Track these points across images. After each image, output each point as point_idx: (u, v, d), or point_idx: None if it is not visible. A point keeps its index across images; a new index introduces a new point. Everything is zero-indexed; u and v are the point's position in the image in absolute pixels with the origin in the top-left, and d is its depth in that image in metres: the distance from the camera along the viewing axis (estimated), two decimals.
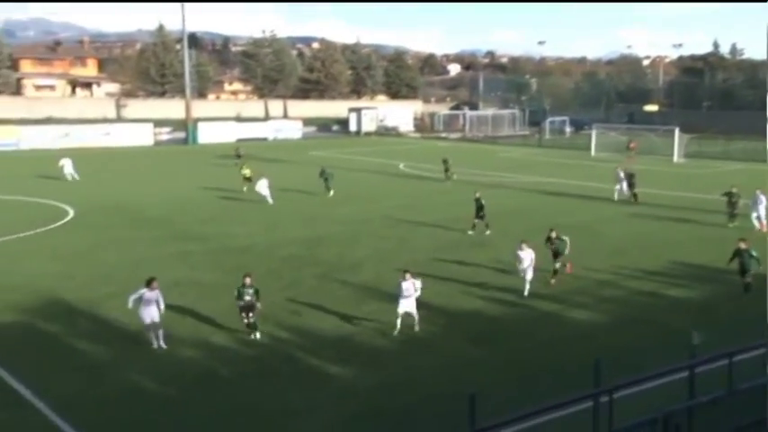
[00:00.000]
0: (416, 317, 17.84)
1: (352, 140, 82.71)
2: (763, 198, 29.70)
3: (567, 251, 22.11)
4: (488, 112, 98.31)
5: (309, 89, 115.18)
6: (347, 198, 38.62)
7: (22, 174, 48.12)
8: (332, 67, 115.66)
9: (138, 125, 76.95)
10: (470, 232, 28.96)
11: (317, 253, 26.09)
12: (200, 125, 77.94)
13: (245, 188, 39.75)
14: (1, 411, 13.48)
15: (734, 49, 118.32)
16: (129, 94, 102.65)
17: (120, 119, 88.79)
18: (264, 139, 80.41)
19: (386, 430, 12.95)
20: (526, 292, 20.83)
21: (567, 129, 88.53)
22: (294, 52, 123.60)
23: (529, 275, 20.86)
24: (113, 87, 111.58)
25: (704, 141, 65.08)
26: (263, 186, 36.33)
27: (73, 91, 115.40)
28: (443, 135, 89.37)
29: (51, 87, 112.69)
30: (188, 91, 78.71)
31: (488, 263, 24.69)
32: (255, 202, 36.68)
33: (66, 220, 31.98)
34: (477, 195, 29.60)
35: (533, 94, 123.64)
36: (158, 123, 78.58)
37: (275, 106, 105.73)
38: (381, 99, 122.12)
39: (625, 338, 17.55)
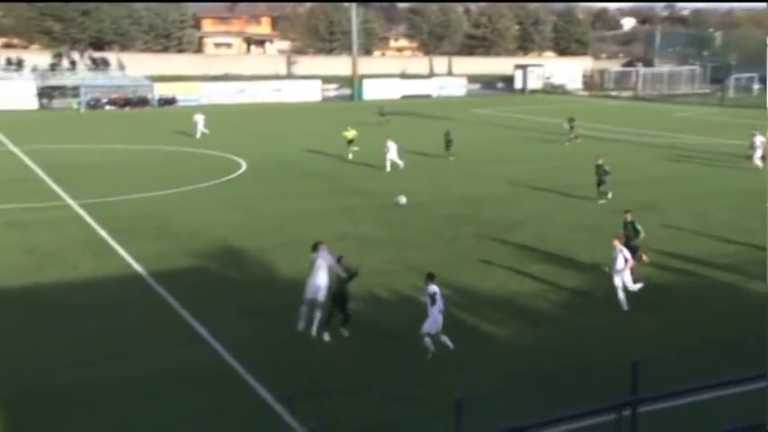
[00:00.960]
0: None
1: (517, 98, 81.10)
2: None
3: (641, 237, 18.75)
4: (664, 68, 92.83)
5: (475, 45, 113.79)
6: (508, 158, 38.05)
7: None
8: (498, 22, 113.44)
9: (307, 82, 79.48)
10: (601, 201, 27.12)
11: (479, 212, 25.96)
12: (366, 82, 79.26)
13: (350, 154, 37.12)
14: (183, 348, 14.57)
15: None
16: (299, 51, 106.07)
17: (290, 75, 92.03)
18: (428, 96, 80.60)
19: (541, 392, 12.76)
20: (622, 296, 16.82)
21: (755, 86, 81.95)
22: (460, 8, 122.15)
23: (619, 282, 16.72)
24: (285, 45, 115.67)
25: None
26: (392, 151, 33.83)
27: (248, 49, 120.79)
28: (613, 93, 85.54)
29: (228, 45, 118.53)
30: (354, 48, 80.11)
31: (658, 227, 23.52)
32: (418, 161, 36.92)
33: (239, 172, 33.75)
34: (600, 162, 27.66)
35: (717, 48, 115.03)
36: (326, 80, 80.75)
37: (440, 63, 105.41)
38: (549, 56, 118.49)
39: None
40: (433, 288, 14.00)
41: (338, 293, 14.94)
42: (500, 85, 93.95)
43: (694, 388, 9.72)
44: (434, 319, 13.88)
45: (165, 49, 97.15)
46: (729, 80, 79.40)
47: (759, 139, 34.68)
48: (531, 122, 55.21)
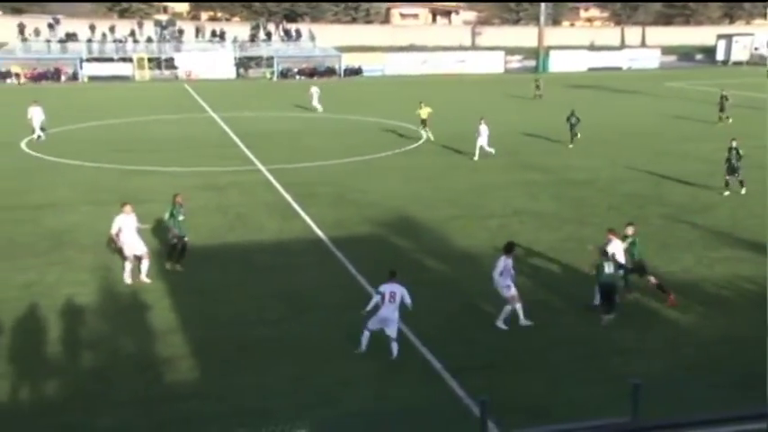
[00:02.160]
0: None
1: (717, 71, 75.60)
2: None
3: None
4: None
5: (673, 15, 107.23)
6: (702, 135, 35.67)
7: (385, 98, 52.21)
8: None
9: (490, 53, 78.64)
10: (726, 193, 24.22)
11: (666, 191, 24.63)
12: (552, 53, 77.13)
13: (424, 134, 34.71)
14: (357, 313, 15.03)
15: None
16: (484, 21, 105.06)
17: (474, 46, 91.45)
18: (618, 69, 77.14)
19: (725, 385, 12.00)
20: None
21: None
22: None
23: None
24: (471, 15, 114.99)
25: None
26: (484, 136, 30.11)
27: (434, 19, 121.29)
28: None
29: (415, 16, 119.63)
30: (542, 18, 78.06)
31: None
32: (600, 136, 35.60)
33: (419, 143, 34.15)
34: (734, 144, 24.61)
35: None
36: (510, 51, 79.44)
37: (632, 34, 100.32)
38: (760, 23, 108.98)
39: None
40: (386, 288, 13.17)
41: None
42: (699, 56, 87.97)
43: None
44: (378, 317, 13.08)
45: (354, 21, 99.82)
46: None
47: None
48: (733, 97, 51.28)
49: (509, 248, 14.43)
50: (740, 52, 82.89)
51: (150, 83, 66.35)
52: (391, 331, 12.96)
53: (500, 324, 14.24)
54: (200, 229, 20.02)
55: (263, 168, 28.45)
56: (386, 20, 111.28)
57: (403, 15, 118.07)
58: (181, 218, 17.10)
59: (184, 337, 13.80)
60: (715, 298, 15.77)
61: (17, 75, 65.18)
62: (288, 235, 20.22)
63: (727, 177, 24.44)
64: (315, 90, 47.21)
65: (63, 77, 66.82)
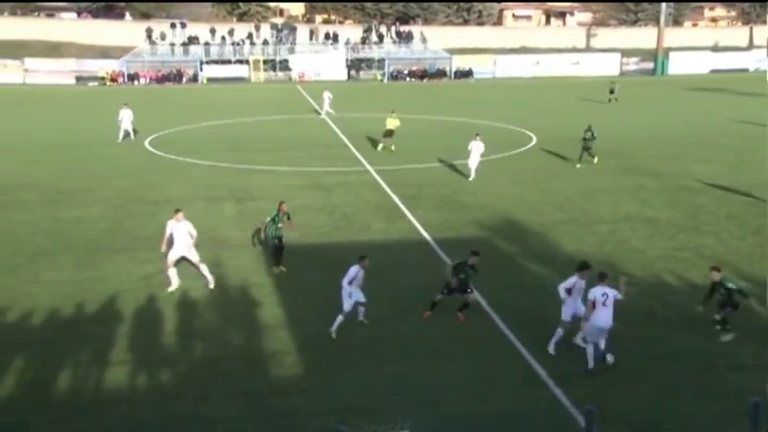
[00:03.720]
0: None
1: None
2: None
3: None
4: None
5: None
6: None
7: (495, 100, 51.75)
8: None
9: (605, 55, 76.58)
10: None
11: None
12: (672, 55, 74.28)
13: (380, 146, 32.44)
14: (471, 318, 15.01)
15: None
16: (600, 23, 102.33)
17: (588, 48, 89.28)
18: (744, 71, 73.44)
19: None
20: None
21: None
22: None
23: None
24: (586, 16, 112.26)
25: None
26: (475, 155, 26.82)
27: (547, 21, 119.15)
28: None
29: (528, 18, 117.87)
30: (662, 18, 75.32)
31: None
32: (722, 141, 33.99)
33: (529, 146, 33.65)
34: None
35: None
36: (626, 53, 77.08)
37: (762, 33, 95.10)
38: None
39: None
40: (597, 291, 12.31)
41: None
42: None
43: None
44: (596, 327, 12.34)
45: (466, 22, 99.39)
46: None
47: None
48: None
49: (583, 267, 13.19)
50: None
51: (265, 84, 68.41)
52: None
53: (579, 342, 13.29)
54: (306, 228, 20.46)
55: (370, 169, 28.77)
56: (498, 21, 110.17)
57: (516, 17, 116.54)
58: (280, 225, 17.47)
59: (290, 333, 14.14)
60: None
61: (102, 78, 68.49)
62: (393, 236, 20.35)
63: None
64: (327, 95, 45.57)
65: (184, 79, 69.90)
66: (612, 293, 12.32)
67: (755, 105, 47.08)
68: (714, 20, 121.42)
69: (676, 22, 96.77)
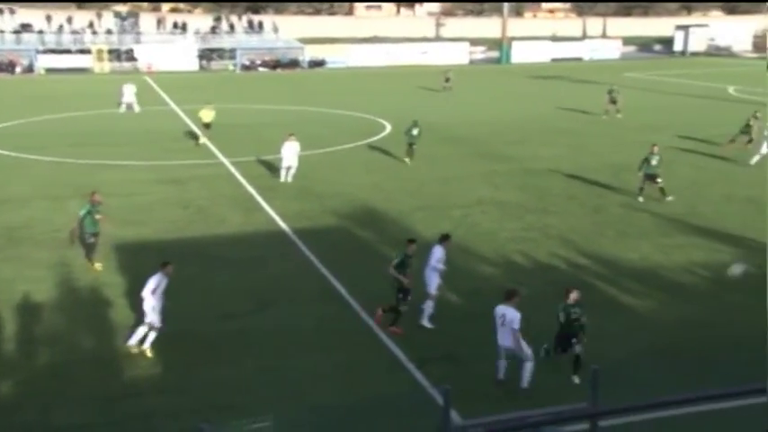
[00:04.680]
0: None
1: (675, 61, 76.71)
2: None
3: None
4: None
5: (632, 6, 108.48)
6: (662, 124, 36.17)
7: (348, 89, 52.06)
8: None
9: (454, 44, 78.79)
10: (669, 198, 22.29)
11: (626, 180, 24.90)
12: (514, 44, 77.54)
13: (199, 140, 31.11)
14: (323, 304, 15.06)
15: None
16: (448, 12, 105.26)
17: (438, 38, 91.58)
18: (579, 60, 77.84)
19: (683, 367, 12.22)
20: None
21: None
22: None
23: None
24: (435, 6, 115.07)
25: None
26: (289, 153, 24.90)
27: (398, 11, 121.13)
28: None
29: (378, 8, 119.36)
30: (505, 10, 78.41)
31: None
32: (563, 126, 35.94)
33: (382, 134, 34.12)
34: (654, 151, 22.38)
35: None
36: (474, 42, 79.70)
37: (594, 25, 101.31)
38: (716, 15, 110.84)
39: None
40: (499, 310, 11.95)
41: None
42: (657, 47, 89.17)
43: None
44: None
45: (318, 12, 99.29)
46: None
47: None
48: (690, 87, 52.14)
49: (444, 238, 14.25)
50: (697, 43, 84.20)
51: (110, 75, 65.30)
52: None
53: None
54: (159, 223, 19.80)
55: (225, 161, 28.19)
56: (349, 12, 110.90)
57: (367, 7, 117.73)
58: (98, 217, 16.77)
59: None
60: (672, 284, 16.03)
61: None
62: (251, 228, 20.08)
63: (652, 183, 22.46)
64: (127, 88, 40.89)
65: (18, 69, 65.46)
66: (511, 317, 11.64)
67: (591, 92, 50.03)
68: (552, 11, 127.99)
69: (518, 13, 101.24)
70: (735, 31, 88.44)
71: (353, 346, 13.17)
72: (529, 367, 11.62)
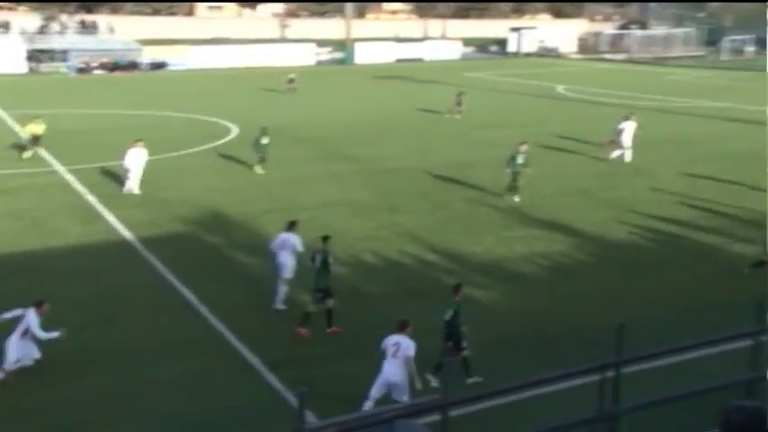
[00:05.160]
0: None
1: (510, 62, 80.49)
2: None
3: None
4: (659, 31, 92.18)
5: (469, 8, 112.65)
6: (502, 121, 37.87)
7: (191, 92, 50.74)
8: None
9: (299, 45, 78.64)
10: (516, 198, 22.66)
11: (470, 177, 25.89)
12: (358, 45, 78.48)
13: (24, 153, 28.17)
14: (170, 314, 14.62)
15: None
16: (292, 13, 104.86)
17: (283, 39, 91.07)
18: (421, 60, 79.95)
19: (527, 354, 12.87)
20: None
21: (750, 48, 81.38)
22: None
23: None
24: (278, 7, 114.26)
25: None
26: (134, 159, 23.52)
27: (240, 12, 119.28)
28: (607, 56, 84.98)
29: (220, 8, 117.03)
30: (348, 11, 79.23)
31: (647, 191, 23.56)
32: (409, 125, 36.83)
33: (229, 137, 33.54)
34: (521, 149, 22.91)
35: (713, 9, 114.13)
36: (320, 43, 79.95)
37: (434, 26, 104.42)
38: (544, 18, 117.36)
39: None
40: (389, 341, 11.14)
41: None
42: (494, 48, 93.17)
43: (677, 348, 9.78)
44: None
45: (156, 12, 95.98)
46: (723, 42, 78.80)
47: (627, 126, 27.97)
48: (523, 86, 54.89)
49: (291, 224, 15.04)
50: (528, 44, 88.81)
51: None
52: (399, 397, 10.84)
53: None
54: None
55: (61, 169, 26.67)
56: (190, 12, 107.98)
57: (208, 8, 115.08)
58: None
59: None
60: (514, 275, 16.83)
61: None
62: (92, 238, 19.14)
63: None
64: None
65: None
66: (406, 346, 10.92)
67: (435, 91, 51.58)
68: (394, 12, 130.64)
69: (361, 14, 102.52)
70: (562, 33, 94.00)
71: (204, 355, 12.87)
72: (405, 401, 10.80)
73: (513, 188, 22.55)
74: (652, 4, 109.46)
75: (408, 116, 39.76)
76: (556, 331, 13.91)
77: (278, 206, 22.09)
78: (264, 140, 26.40)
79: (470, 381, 11.80)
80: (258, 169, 26.36)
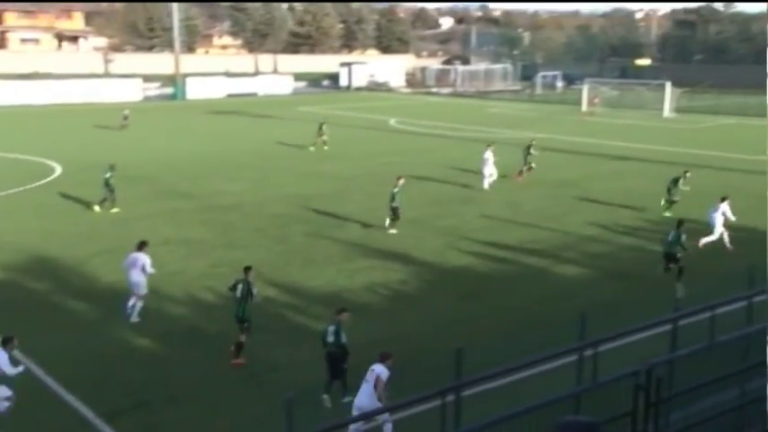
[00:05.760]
0: None
1: (343, 96, 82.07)
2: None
3: None
4: (480, 66, 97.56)
5: (300, 43, 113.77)
6: (337, 154, 38.43)
7: (10, 130, 47.59)
8: (323, 20, 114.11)
9: (125, 80, 75.99)
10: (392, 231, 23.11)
11: (308, 210, 26.02)
12: (189, 80, 77.05)
13: None
14: None
15: (726, 2, 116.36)
16: (116, 48, 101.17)
17: (107, 74, 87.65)
18: (254, 95, 79.70)
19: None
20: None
21: (559, 83, 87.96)
22: (284, 5, 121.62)
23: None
24: (101, 41, 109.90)
25: (695, 96, 64.87)
26: None
27: (59, 45, 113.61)
28: (434, 90, 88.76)
29: (36, 41, 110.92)
30: (177, 45, 77.65)
31: (477, 218, 24.71)
32: (245, 161, 36.52)
33: (52, 177, 31.74)
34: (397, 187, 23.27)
35: (525, 48, 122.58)
36: (147, 78, 77.64)
37: (265, 61, 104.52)
38: (372, 53, 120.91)
39: (612, 293, 17.68)
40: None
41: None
42: (325, 82, 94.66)
43: (515, 367, 10.29)
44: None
45: None
46: (536, 78, 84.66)
47: (488, 154, 29.79)
48: (357, 119, 56.07)
49: (141, 245, 16.27)
50: (359, 79, 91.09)
51: None
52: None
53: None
54: None
55: None
56: (2, 45, 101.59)
57: (23, 40, 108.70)
58: None
59: None
60: (357, 305, 17.01)
61: None
62: None
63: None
64: None
65: None
66: (379, 371, 10.99)
67: (269, 126, 51.55)
68: (224, 47, 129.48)
69: (190, 49, 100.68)
70: (391, 68, 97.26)
71: (32, 411, 11.98)
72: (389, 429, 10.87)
73: (394, 220, 23.04)
74: (473, 41, 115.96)
75: (243, 151, 39.46)
76: (398, 359, 14.17)
77: (107, 247, 21.09)
78: (109, 176, 25.41)
79: (346, 400, 11.98)
80: (100, 208, 25.33)
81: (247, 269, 14.40)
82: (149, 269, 15.92)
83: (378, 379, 10.88)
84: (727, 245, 21.15)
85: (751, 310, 11.91)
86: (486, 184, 29.50)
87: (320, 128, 40.36)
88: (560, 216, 25.25)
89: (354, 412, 10.82)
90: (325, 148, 39.47)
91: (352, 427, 10.71)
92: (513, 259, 20.55)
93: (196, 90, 76.15)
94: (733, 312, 12.03)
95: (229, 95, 77.18)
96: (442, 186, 29.82)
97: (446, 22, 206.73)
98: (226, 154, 38.47)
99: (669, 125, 52.95)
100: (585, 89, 64.61)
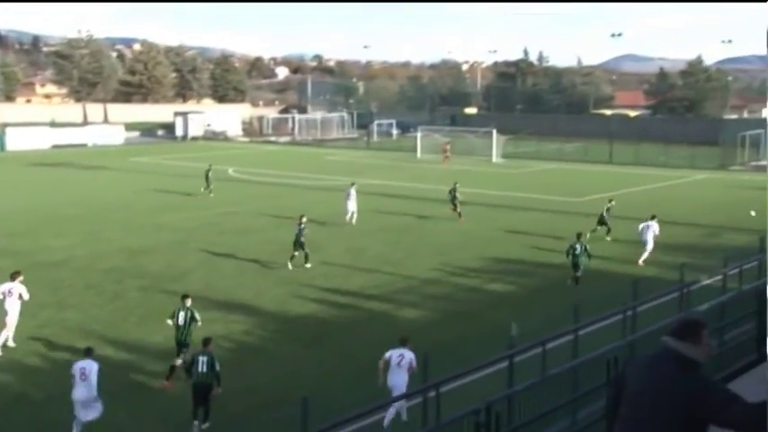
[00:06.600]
0: None
1: (178, 146, 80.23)
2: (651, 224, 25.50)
3: None
4: (317, 115, 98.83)
5: (131, 92, 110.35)
6: (174, 206, 37.42)
7: None
8: (155, 69, 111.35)
9: None
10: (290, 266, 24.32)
11: (142, 264, 25.07)
12: (9, 130, 72.52)
13: None
14: None
15: (540, 57, 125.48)
16: None
17: None
18: (83, 146, 76.17)
19: None
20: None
21: (394, 131, 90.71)
22: (114, 53, 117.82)
23: None
24: None
25: (519, 142, 69.04)
26: None
27: None
28: (272, 139, 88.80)
29: None
30: None
31: (319, 265, 24.83)
32: (74, 214, 34.68)
33: None
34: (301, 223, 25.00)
35: (360, 97, 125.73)
36: None
37: (94, 110, 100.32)
38: (208, 103, 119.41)
39: (451, 333, 18.27)
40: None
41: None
42: (160, 132, 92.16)
43: (361, 413, 10.35)
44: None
45: None
46: (372, 126, 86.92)
47: (352, 192, 32.60)
48: (194, 169, 54.95)
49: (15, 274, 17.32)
50: (195, 128, 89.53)
51: None
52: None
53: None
54: None
55: None
56: None
57: None
58: None
59: None
60: None
61: None
62: None
63: (294, 253, 24.40)
64: None
65: None
66: (409, 357, 12.86)
67: (100, 177, 49.37)
68: (48, 96, 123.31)
69: (9, 97, 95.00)
70: (227, 117, 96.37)
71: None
72: (391, 413, 12.70)
73: (306, 258, 24.40)
74: (309, 91, 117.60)
75: (71, 204, 37.49)
76: (249, 411, 13.88)
77: None
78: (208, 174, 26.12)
79: (205, 426, 12.89)
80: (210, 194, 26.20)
81: (185, 297, 15.58)
82: (26, 295, 17.10)
83: (411, 362, 12.78)
84: (642, 258, 24.85)
85: (576, 342, 12.73)
86: (348, 219, 32.01)
87: (206, 175, 40.81)
88: (401, 260, 25.89)
89: (394, 393, 12.46)
90: (211, 195, 39.78)
91: (395, 406, 12.49)
92: (355, 305, 20.79)
93: (17, 141, 71.70)
94: (560, 347, 12.80)
95: (55, 146, 73.26)
96: (283, 234, 29.75)
97: (282, 72, 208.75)
98: (52, 208, 36.39)
99: (499, 170, 55.96)
100: (419, 136, 67.06)
